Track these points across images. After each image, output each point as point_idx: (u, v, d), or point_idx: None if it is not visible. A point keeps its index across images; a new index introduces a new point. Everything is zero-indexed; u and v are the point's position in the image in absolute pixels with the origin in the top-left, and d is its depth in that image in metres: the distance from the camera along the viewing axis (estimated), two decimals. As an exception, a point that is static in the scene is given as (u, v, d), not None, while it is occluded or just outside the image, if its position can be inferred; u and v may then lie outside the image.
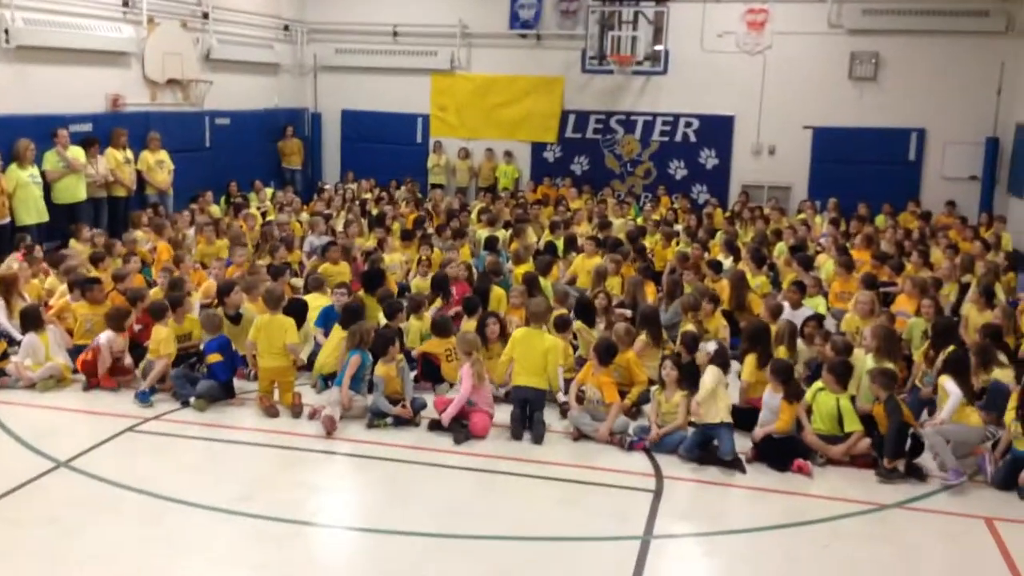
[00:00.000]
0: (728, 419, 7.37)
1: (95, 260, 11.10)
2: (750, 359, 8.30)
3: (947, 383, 7.36)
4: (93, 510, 6.34)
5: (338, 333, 8.97)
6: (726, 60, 18.66)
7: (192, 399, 8.31)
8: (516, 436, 7.81)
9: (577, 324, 9.54)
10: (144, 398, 8.35)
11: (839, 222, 15.38)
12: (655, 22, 18.13)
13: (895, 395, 7.32)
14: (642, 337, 9.06)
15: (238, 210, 15.09)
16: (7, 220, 12.17)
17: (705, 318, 9.70)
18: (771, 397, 7.55)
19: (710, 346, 8.34)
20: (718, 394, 7.43)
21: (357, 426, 7.96)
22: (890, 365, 7.92)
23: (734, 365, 8.98)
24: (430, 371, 9.00)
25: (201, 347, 9.00)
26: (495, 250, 12.93)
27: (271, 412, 8.22)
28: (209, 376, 8.50)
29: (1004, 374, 7.95)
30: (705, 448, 7.38)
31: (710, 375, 7.53)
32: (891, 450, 7.09)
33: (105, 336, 8.78)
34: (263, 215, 15.58)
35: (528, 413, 7.97)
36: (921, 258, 12.06)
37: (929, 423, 7.29)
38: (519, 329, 8.59)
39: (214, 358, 8.46)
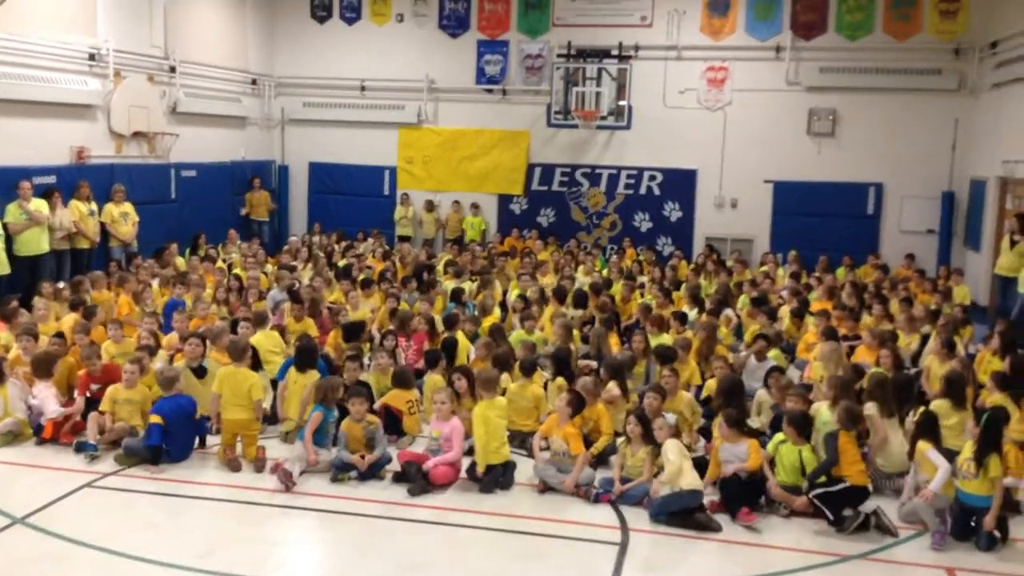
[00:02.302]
0: (698, 486, 7.26)
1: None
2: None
3: (930, 453, 7.26)
4: (50, 568, 6.21)
5: (293, 376, 8.98)
6: (688, 116, 19.06)
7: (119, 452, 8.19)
8: (488, 490, 7.76)
9: (559, 381, 9.42)
10: (87, 448, 8.18)
11: (800, 275, 15.62)
12: (618, 79, 18.52)
13: (837, 434, 7.34)
14: (611, 387, 9.09)
15: (203, 262, 15.01)
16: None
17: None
18: (734, 447, 7.58)
19: (670, 418, 8.17)
20: (684, 467, 7.31)
21: (321, 480, 7.89)
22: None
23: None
24: (391, 423, 8.91)
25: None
26: (460, 302, 12.96)
27: (234, 466, 8.12)
28: (148, 438, 8.11)
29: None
30: (675, 514, 7.25)
31: (673, 450, 7.37)
32: (812, 474, 7.28)
33: (41, 393, 8.68)
34: (229, 267, 15.52)
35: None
36: (881, 309, 12.25)
37: (921, 497, 7.15)
38: (477, 408, 8.07)
39: (153, 419, 8.09)
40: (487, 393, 8.12)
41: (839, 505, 7.12)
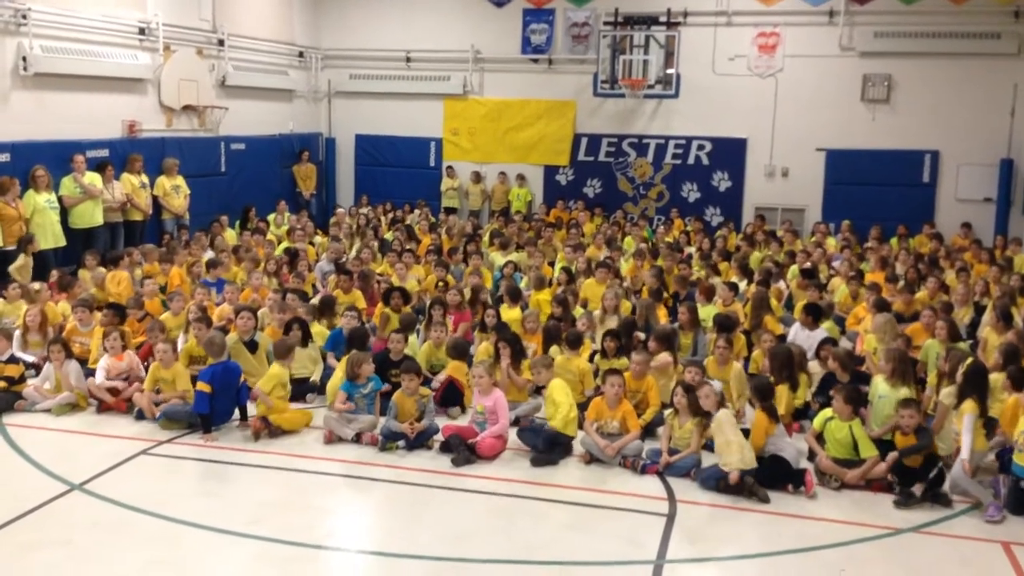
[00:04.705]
0: (754, 464, 7.22)
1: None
2: (782, 389, 8.27)
3: (966, 419, 7.19)
4: (106, 533, 6.36)
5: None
6: (738, 83, 18.72)
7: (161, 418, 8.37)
8: (540, 464, 7.74)
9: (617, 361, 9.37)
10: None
11: (852, 245, 15.33)
12: (666, 46, 18.22)
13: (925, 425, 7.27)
14: (664, 356, 9.06)
15: (254, 235, 15.17)
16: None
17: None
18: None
19: (716, 385, 8.06)
20: (732, 443, 7.29)
21: (370, 450, 7.97)
22: (905, 390, 7.87)
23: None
24: (453, 396, 8.92)
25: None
26: (504, 275, 12.94)
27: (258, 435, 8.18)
28: (195, 405, 8.24)
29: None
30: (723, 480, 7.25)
31: (728, 426, 7.36)
32: (906, 452, 7.19)
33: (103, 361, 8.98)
34: (278, 240, 15.65)
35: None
36: (936, 281, 11.97)
37: (959, 467, 7.06)
38: (555, 384, 8.14)
39: (201, 387, 8.13)
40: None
41: (938, 482, 7.08)
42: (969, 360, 7.86)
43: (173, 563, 5.96)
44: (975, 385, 7.45)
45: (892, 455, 7.23)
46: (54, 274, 11.71)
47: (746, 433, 7.55)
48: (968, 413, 7.24)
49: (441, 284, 12.17)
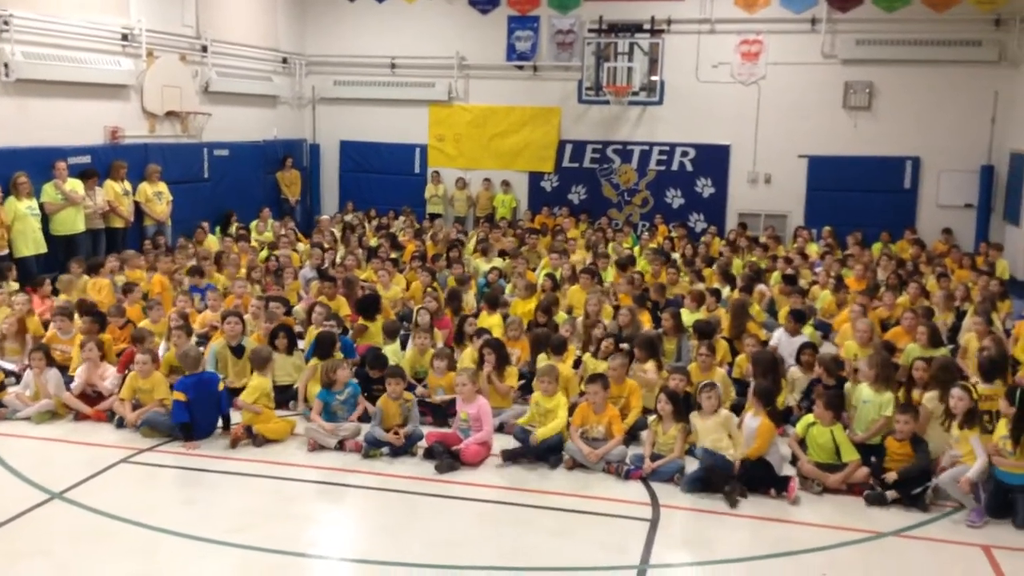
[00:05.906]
0: (732, 457, 7.38)
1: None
2: None
3: (973, 440, 7.11)
4: (87, 542, 6.31)
5: (314, 361, 9.07)
6: (721, 90, 18.83)
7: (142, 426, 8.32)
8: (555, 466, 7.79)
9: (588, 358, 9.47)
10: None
11: (834, 251, 15.40)
12: (650, 53, 18.32)
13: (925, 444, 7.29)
14: (651, 364, 9.07)
15: (238, 241, 15.11)
16: (5, 252, 12.22)
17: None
18: (751, 420, 7.56)
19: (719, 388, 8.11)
20: (725, 440, 7.51)
21: (353, 457, 7.95)
22: (888, 394, 7.91)
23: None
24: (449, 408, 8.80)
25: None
26: (489, 283, 12.94)
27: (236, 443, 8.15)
28: (173, 415, 8.22)
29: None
30: (705, 482, 7.30)
31: (734, 422, 7.62)
32: (907, 472, 7.14)
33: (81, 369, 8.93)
34: (261, 246, 15.59)
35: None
36: (918, 288, 12.04)
37: (954, 480, 7.01)
38: (559, 401, 8.15)
39: (177, 396, 8.14)
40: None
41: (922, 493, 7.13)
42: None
43: (154, 573, 5.92)
44: (970, 415, 7.39)
45: (891, 475, 7.16)
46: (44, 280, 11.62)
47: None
48: (974, 435, 7.12)
49: (430, 290, 12.14)
